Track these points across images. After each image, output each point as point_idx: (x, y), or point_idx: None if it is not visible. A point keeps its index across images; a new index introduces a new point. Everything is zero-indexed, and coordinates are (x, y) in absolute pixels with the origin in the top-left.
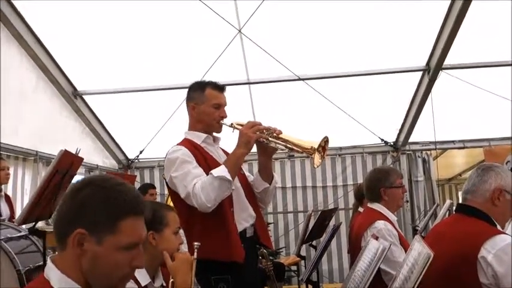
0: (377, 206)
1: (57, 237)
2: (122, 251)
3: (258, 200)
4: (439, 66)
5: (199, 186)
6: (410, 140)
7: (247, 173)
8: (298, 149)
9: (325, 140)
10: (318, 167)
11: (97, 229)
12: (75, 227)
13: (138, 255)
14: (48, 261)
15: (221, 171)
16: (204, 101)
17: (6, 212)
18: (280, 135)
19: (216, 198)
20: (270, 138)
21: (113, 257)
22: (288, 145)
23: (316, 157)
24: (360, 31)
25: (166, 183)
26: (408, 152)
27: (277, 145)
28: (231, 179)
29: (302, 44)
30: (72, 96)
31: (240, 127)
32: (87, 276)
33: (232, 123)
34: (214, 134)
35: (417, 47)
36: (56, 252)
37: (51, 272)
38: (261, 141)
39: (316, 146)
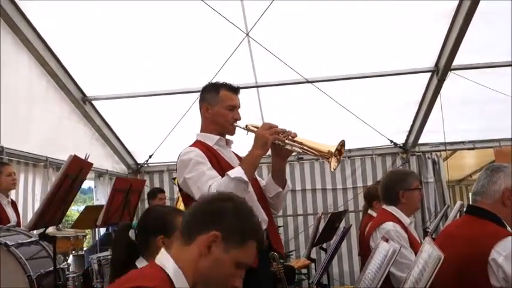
0: (392, 209)
1: (187, 232)
2: (237, 266)
3: (270, 205)
4: (448, 67)
5: (215, 188)
6: (419, 142)
7: (258, 178)
8: (315, 153)
9: (342, 144)
10: (334, 170)
11: (230, 239)
12: (211, 229)
13: (241, 277)
14: (163, 251)
15: (238, 172)
16: (218, 102)
17: (13, 217)
18: (296, 138)
19: None
20: (286, 141)
21: (230, 269)
22: (305, 148)
23: (333, 161)
24: (368, 33)
25: (179, 185)
26: (418, 154)
27: (293, 148)
28: (247, 180)
29: (310, 46)
30: (82, 102)
31: (255, 129)
32: (200, 277)
33: (246, 125)
34: (227, 136)
35: (425, 48)
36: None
37: (168, 262)
38: (276, 144)
39: (333, 150)
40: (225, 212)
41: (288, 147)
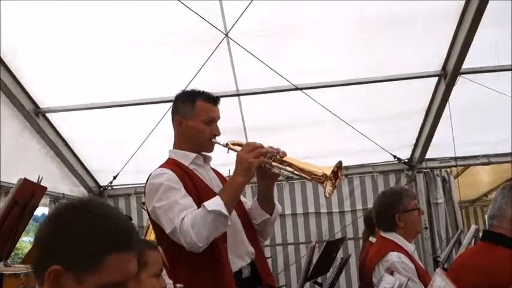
0: (391, 235)
1: (35, 269)
2: None
3: (256, 232)
4: (457, 71)
5: (189, 222)
6: (427, 156)
7: (243, 199)
8: (307, 176)
9: (339, 166)
10: (330, 196)
11: (75, 266)
12: (51, 263)
13: None
14: None
15: (216, 204)
16: (194, 115)
17: None
18: (285, 158)
19: (209, 236)
20: (273, 163)
21: None
22: (296, 171)
23: (328, 185)
24: (365, 34)
25: (148, 213)
26: (425, 171)
27: (282, 171)
28: (227, 213)
29: (298, 48)
30: (34, 115)
31: (237, 148)
32: None
33: (227, 143)
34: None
35: (431, 49)
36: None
37: None
38: (262, 166)
39: (328, 173)
40: (62, 231)
41: (276, 170)
